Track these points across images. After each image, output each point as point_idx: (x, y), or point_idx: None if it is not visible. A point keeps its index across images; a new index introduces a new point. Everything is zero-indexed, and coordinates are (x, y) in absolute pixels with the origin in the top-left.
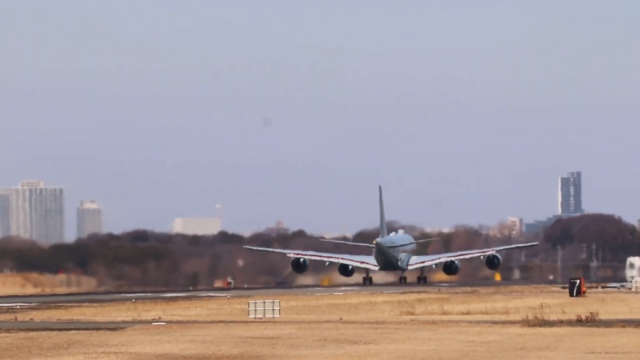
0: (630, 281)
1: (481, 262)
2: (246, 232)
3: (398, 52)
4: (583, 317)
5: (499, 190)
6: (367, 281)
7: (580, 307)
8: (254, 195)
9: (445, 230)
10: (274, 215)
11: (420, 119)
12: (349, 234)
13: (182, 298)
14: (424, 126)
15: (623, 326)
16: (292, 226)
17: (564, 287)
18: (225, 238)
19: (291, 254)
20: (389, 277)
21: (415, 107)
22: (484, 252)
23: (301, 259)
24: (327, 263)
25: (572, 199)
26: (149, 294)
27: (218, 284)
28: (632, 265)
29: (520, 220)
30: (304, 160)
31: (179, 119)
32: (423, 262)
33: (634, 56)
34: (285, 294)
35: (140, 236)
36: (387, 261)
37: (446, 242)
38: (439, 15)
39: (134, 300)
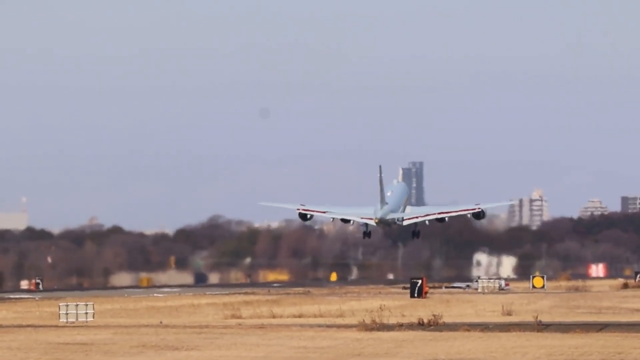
0: (477, 281)
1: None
2: (56, 228)
3: None
4: (425, 321)
5: (332, 181)
6: (367, 235)
7: (422, 310)
8: (64, 188)
9: (275, 224)
10: (87, 210)
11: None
12: (169, 231)
13: None
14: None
15: (468, 330)
16: (108, 222)
17: (404, 288)
18: (32, 234)
19: (300, 208)
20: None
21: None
22: (472, 209)
23: (308, 215)
24: (331, 219)
25: (414, 191)
26: None
27: (26, 285)
28: (479, 263)
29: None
30: (119, 153)
31: None
32: (417, 217)
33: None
34: (99, 295)
35: None
36: (387, 224)
37: (275, 237)
38: None
39: None
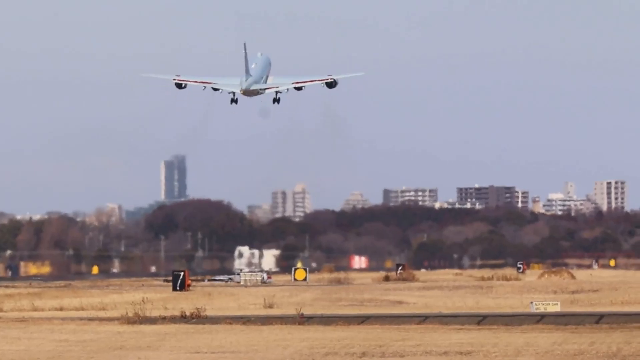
0: (239, 273)
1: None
2: None
3: None
4: (188, 314)
5: (95, 174)
6: (234, 102)
7: (184, 303)
8: None
9: (37, 217)
10: None
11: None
12: None
13: None
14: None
15: (230, 323)
16: None
17: (167, 281)
18: None
19: (176, 78)
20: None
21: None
22: (325, 79)
23: (183, 84)
24: (203, 87)
25: (176, 183)
26: None
27: None
28: (241, 255)
29: (120, 207)
30: None
31: None
32: (277, 86)
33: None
34: None
35: None
36: (251, 94)
37: (38, 230)
38: None
39: None
